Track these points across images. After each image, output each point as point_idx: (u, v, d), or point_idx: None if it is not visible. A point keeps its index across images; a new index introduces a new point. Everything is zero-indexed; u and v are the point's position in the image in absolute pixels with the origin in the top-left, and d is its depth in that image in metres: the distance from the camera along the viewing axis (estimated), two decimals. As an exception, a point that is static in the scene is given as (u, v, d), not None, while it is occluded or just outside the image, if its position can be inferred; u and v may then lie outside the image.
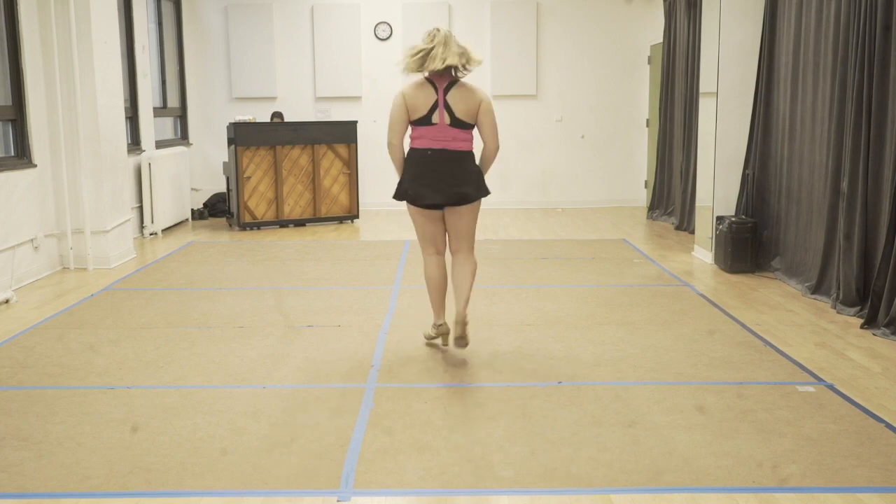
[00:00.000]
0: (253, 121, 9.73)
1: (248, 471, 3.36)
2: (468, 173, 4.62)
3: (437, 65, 4.42)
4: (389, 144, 4.67)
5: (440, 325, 4.88)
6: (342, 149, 10.04)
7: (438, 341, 5.02)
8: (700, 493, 3.14)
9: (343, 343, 5.10)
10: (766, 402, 4.04)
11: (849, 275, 5.68)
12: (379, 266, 7.45)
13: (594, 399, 4.10)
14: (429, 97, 4.53)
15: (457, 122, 4.54)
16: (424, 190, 4.61)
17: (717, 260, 7.31)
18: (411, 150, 4.67)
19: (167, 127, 10.77)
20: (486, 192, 4.72)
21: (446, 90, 4.53)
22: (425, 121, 4.55)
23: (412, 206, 4.73)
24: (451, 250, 4.86)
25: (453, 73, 4.57)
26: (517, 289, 6.50)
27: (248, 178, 9.56)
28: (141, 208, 9.22)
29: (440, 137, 4.56)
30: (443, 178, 4.57)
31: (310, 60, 11.28)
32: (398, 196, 4.76)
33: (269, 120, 10.32)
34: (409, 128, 4.66)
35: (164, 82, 10.55)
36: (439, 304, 4.85)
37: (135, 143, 9.23)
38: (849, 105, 5.72)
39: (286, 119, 10.36)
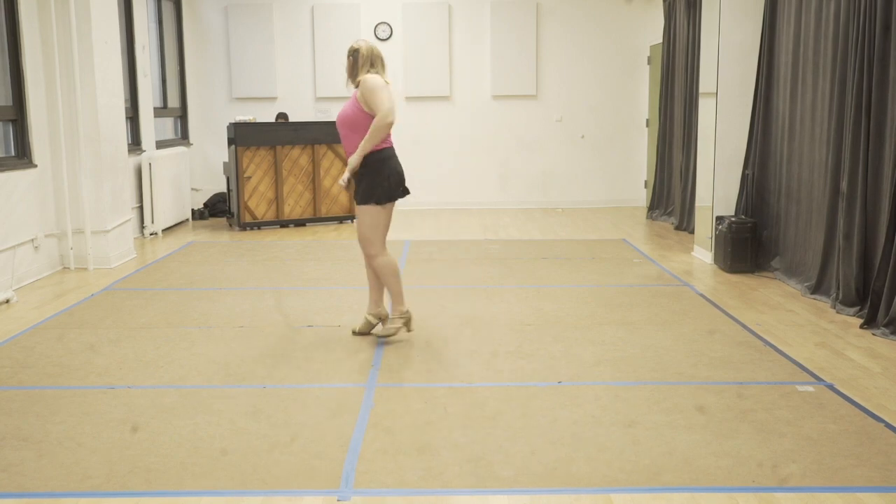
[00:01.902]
0: (253, 121, 9.73)
1: (248, 471, 3.36)
2: None
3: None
4: (391, 120, 4.78)
5: (406, 311, 5.09)
6: (342, 149, 10.03)
7: (402, 329, 5.13)
8: (700, 492, 3.14)
9: (343, 343, 5.10)
10: (766, 402, 4.04)
11: (848, 275, 5.67)
12: (379, 266, 7.43)
13: (594, 399, 4.10)
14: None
15: None
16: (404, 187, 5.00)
17: (716, 260, 7.31)
18: (388, 149, 4.93)
19: (167, 127, 10.77)
20: None
21: None
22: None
23: (389, 205, 4.94)
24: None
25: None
26: (517, 289, 6.49)
27: (249, 178, 9.55)
28: (141, 208, 9.22)
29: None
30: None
31: (310, 60, 11.27)
32: (393, 198, 4.92)
33: (273, 120, 10.32)
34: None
35: (164, 82, 10.55)
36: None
37: (135, 143, 9.23)
38: (848, 104, 5.72)
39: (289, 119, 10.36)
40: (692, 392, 4.19)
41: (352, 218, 10.18)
